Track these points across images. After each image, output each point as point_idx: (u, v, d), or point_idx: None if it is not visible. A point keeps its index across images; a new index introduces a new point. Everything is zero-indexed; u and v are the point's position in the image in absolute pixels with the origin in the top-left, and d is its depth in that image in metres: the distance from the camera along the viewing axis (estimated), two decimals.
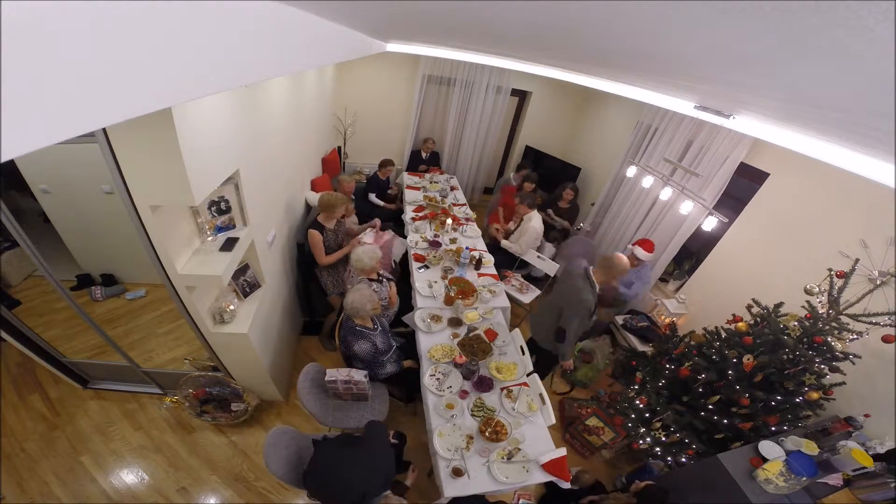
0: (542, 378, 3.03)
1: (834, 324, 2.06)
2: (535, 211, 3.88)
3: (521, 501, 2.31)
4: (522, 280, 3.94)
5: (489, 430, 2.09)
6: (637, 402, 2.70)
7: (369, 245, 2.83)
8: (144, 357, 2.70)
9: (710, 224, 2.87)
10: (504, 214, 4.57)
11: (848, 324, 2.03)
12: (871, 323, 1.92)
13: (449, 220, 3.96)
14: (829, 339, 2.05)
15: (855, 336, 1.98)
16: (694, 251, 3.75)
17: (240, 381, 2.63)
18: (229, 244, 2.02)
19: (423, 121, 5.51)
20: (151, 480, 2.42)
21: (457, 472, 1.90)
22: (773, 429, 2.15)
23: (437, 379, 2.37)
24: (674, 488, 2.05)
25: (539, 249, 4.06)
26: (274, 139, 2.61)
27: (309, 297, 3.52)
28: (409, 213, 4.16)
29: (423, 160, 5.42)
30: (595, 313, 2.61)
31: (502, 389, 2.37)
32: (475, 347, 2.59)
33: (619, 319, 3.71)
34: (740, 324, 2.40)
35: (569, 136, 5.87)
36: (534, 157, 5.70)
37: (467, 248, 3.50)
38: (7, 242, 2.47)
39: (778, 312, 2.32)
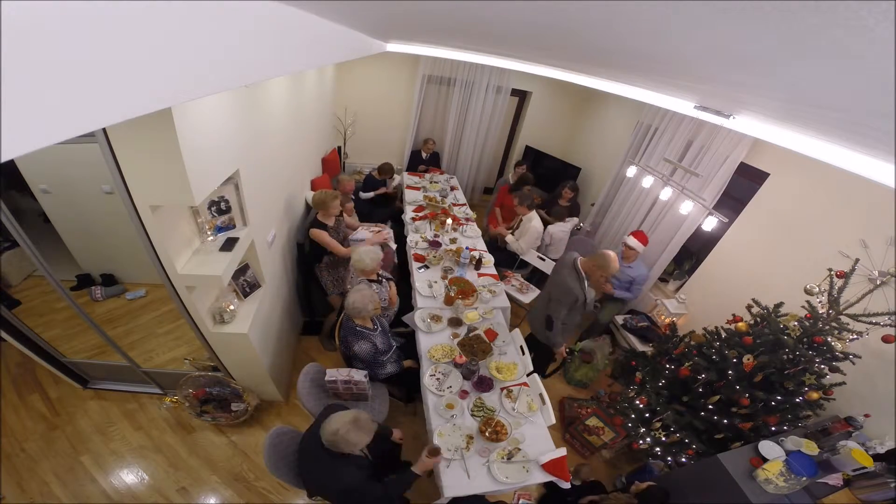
0: (540, 373, 3.04)
1: (834, 324, 2.05)
2: (534, 211, 3.89)
3: (521, 501, 2.32)
4: (522, 280, 3.93)
5: (489, 430, 2.09)
6: (637, 402, 2.70)
7: (370, 246, 2.83)
8: (144, 357, 2.70)
9: (710, 224, 2.88)
10: (502, 214, 4.58)
11: (848, 324, 2.03)
12: (871, 323, 1.92)
13: (449, 220, 3.96)
14: (829, 339, 2.04)
15: (855, 336, 1.98)
16: (694, 251, 3.75)
17: (240, 381, 2.63)
18: (229, 244, 2.02)
19: (423, 121, 5.51)
20: (151, 480, 2.42)
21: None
22: (773, 429, 2.15)
23: (437, 379, 2.37)
24: (674, 488, 2.05)
25: (540, 249, 4.07)
26: (274, 139, 2.61)
27: (309, 297, 3.52)
28: (409, 213, 4.16)
29: (423, 160, 5.42)
30: (587, 304, 2.68)
31: (502, 389, 2.37)
32: (475, 347, 2.59)
33: (619, 319, 3.71)
34: (740, 324, 2.39)
35: (569, 136, 5.87)
36: (534, 157, 5.70)
37: (467, 248, 3.50)
38: (7, 242, 2.47)
39: (778, 312, 2.32)
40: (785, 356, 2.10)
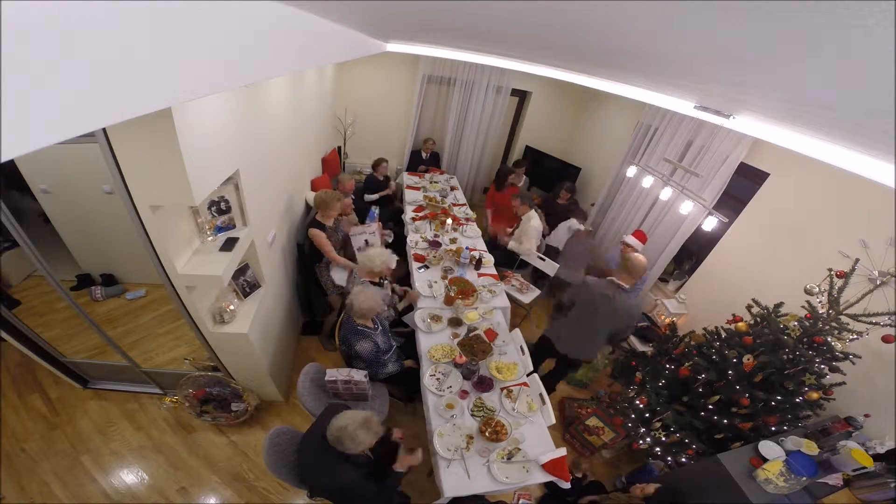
0: (561, 379, 3.21)
1: (834, 324, 2.05)
2: (534, 210, 3.89)
3: (520, 501, 2.31)
4: (522, 280, 3.93)
5: (489, 430, 2.09)
6: (637, 402, 2.70)
7: (384, 249, 2.86)
8: (144, 357, 2.70)
9: (709, 224, 2.87)
10: (493, 215, 4.60)
11: (848, 324, 2.03)
12: (871, 323, 1.92)
13: (449, 220, 3.96)
14: (829, 339, 2.04)
15: (855, 336, 1.98)
16: (694, 251, 3.75)
17: (240, 381, 2.63)
18: (229, 244, 2.02)
19: (423, 121, 5.51)
20: (151, 480, 2.42)
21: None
22: (773, 429, 2.14)
23: (437, 379, 2.37)
24: (674, 488, 2.05)
25: (540, 248, 4.07)
26: (274, 139, 2.61)
27: (309, 297, 3.52)
28: (409, 213, 4.16)
29: (423, 161, 5.42)
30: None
31: (502, 389, 2.37)
32: (475, 347, 2.59)
33: None
34: (740, 324, 2.39)
35: (569, 136, 5.87)
36: (534, 157, 5.70)
37: (467, 248, 3.50)
38: (7, 242, 2.47)
39: (778, 312, 2.32)
40: (785, 356, 2.10)
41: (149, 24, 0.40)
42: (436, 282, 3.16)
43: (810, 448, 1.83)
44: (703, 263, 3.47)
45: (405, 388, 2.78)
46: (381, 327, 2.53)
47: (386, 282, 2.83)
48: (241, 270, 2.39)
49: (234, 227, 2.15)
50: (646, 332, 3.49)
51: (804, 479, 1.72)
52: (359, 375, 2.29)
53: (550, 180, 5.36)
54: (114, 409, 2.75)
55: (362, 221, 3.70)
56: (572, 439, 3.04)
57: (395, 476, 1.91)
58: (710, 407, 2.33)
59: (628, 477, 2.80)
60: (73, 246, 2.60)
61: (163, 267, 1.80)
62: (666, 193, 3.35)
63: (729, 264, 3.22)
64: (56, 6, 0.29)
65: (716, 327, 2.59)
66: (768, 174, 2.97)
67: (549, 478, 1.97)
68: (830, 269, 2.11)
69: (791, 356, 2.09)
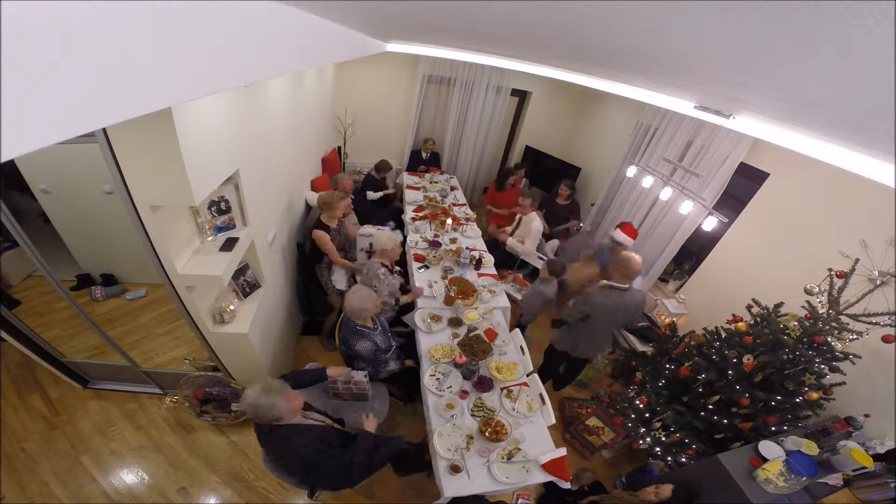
0: (569, 382, 3.27)
1: (834, 324, 2.05)
2: (535, 212, 3.90)
3: (520, 501, 2.32)
4: (522, 280, 3.94)
5: (489, 430, 2.09)
6: (637, 402, 2.70)
7: (390, 231, 2.97)
8: (144, 357, 2.70)
9: (709, 224, 2.87)
10: (490, 214, 4.60)
11: (848, 324, 2.03)
12: (871, 323, 1.92)
13: (449, 220, 3.96)
14: (829, 339, 2.04)
15: (855, 336, 1.98)
16: (694, 251, 3.74)
17: (240, 381, 2.63)
18: (229, 244, 2.02)
19: (423, 121, 5.51)
20: (151, 480, 2.42)
21: (455, 469, 1.90)
22: (773, 429, 2.15)
23: (437, 379, 2.37)
24: (688, 487, 2.02)
25: (539, 248, 4.07)
26: (274, 139, 2.61)
27: (309, 297, 3.52)
28: (409, 213, 4.16)
29: (423, 161, 5.42)
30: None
31: (502, 389, 2.37)
32: (475, 347, 2.59)
33: None
34: (740, 324, 2.39)
35: (569, 136, 5.87)
36: (534, 158, 5.70)
37: (467, 248, 3.50)
38: (7, 242, 2.47)
39: (778, 312, 2.32)
40: (785, 356, 2.10)
41: (149, 24, 0.40)
42: (436, 282, 3.16)
43: (810, 448, 1.83)
44: (703, 263, 3.47)
45: (405, 387, 2.78)
46: (380, 327, 2.53)
47: (397, 270, 2.86)
48: (241, 270, 2.40)
49: (234, 227, 2.16)
50: (646, 332, 3.49)
51: (804, 479, 1.72)
52: (359, 375, 2.29)
53: (550, 180, 5.35)
54: (114, 409, 2.75)
55: (363, 222, 3.70)
56: (572, 439, 3.04)
57: (369, 437, 1.91)
58: (710, 407, 2.33)
59: (628, 477, 2.80)
60: (73, 246, 2.60)
61: (163, 267, 1.80)
62: (666, 193, 3.35)
63: (729, 264, 3.22)
64: (56, 6, 0.29)
65: (716, 327, 2.59)
66: (768, 174, 2.97)
67: (549, 478, 1.97)
68: (830, 269, 2.11)
69: (791, 356, 2.09)
